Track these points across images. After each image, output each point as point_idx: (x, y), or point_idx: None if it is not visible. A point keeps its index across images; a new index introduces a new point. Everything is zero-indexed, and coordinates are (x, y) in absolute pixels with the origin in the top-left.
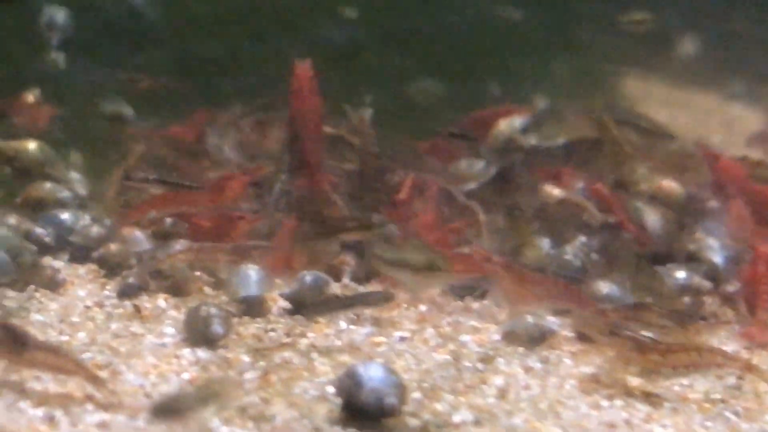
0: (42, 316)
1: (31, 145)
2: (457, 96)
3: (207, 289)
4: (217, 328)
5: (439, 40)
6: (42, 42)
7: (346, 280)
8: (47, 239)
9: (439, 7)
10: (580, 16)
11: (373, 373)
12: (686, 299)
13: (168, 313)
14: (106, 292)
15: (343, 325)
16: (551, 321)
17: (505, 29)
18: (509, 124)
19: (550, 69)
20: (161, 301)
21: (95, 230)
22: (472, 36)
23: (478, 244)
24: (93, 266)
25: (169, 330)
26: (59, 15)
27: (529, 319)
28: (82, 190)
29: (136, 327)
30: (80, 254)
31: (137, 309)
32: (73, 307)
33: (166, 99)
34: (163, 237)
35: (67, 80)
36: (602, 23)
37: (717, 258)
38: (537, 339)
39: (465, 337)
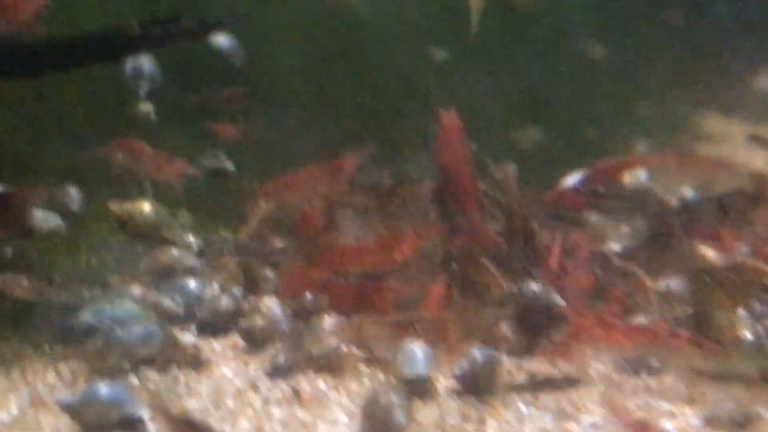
0: (195, 402)
1: (146, 207)
2: (555, 141)
3: (362, 367)
4: (399, 417)
5: (527, 82)
6: (130, 93)
7: (503, 355)
8: (176, 311)
9: (523, 47)
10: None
11: None
12: None
13: (330, 397)
14: (253, 372)
15: (522, 408)
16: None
17: (589, 69)
18: (635, 177)
19: (633, 110)
20: (320, 382)
21: (225, 301)
22: (558, 77)
23: (657, 314)
24: (228, 340)
25: (341, 417)
26: (145, 63)
27: (730, 401)
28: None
29: (302, 413)
30: (210, 327)
31: (297, 392)
32: (224, 390)
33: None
34: (304, 311)
35: (159, 133)
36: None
37: None
38: (741, 423)
39: (666, 424)
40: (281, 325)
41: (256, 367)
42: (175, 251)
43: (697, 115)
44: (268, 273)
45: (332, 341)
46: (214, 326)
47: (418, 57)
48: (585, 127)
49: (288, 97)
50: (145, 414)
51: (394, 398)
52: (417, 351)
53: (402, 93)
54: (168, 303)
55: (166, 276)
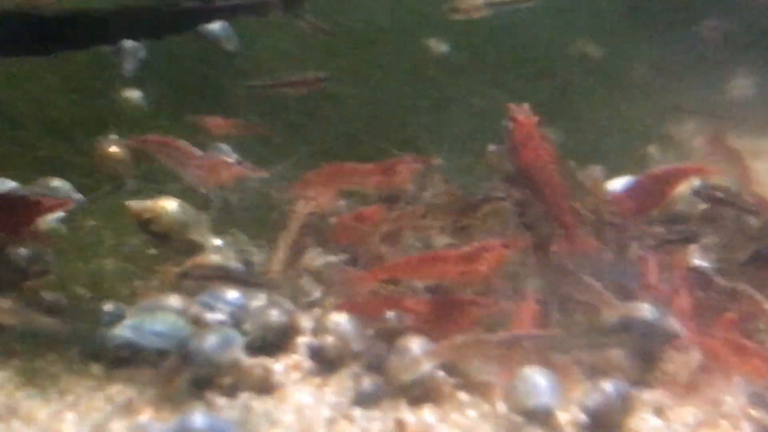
0: None
1: (171, 205)
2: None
3: (462, 395)
4: None
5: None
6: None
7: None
8: (222, 325)
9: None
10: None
11: None
12: None
13: (438, 430)
14: (332, 397)
15: None
16: None
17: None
18: (690, 188)
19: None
20: (426, 413)
21: (276, 315)
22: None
23: None
24: (288, 360)
25: None
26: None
27: None
28: (232, 260)
29: None
30: (262, 344)
31: (400, 426)
32: (312, 421)
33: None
34: (387, 330)
35: (145, 121)
36: None
37: None
38: None
39: None
40: (354, 344)
41: (334, 392)
42: (216, 257)
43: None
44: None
45: (425, 365)
46: (266, 343)
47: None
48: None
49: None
50: None
51: None
52: (538, 377)
53: (409, 91)
54: (213, 317)
55: (202, 285)
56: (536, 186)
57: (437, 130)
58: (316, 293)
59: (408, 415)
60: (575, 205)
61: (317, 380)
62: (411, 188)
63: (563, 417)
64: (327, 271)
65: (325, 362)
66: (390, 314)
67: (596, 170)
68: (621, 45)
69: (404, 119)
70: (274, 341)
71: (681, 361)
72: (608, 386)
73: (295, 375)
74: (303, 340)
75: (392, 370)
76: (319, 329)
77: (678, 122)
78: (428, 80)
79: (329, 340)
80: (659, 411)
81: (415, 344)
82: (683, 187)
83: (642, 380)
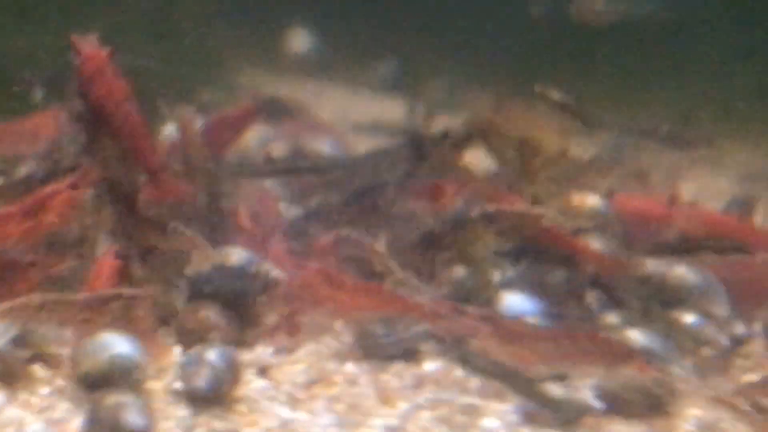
0: None
1: None
2: None
3: (38, 369)
4: (136, 419)
5: None
6: None
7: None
8: None
9: None
10: None
11: None
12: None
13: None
14: None
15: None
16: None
17: None
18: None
19: None
20: None
21: None
22: None
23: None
24: None
25: None
26: None
27: (555, 389)
28: None
29: None
30: None
31: None
32: None
33: None
34: None
35: None
36: None
37: None
38: (569, 417)
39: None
40: None
41: None
42: None
43: None
44: None
45: None
46: None
47: None
48: None
49: None
50: None
51: (127, 399)
52: (114, 341)
53: None
54: None
55: None
56: (111, 127)
57: None
58: None
59: None
60: (160, 147)
61: None
62: None
63: (156, 385)
64: None
65: None
66: None
67: (193, 113)
68: None
69: None
70: None
71: (277, 310)
72: (211, 354)
73: None
74: None
75: None
76: None
77: None
78: None
79: None
80: (264, 371)
81: None
82: None
83: (242, 338)
